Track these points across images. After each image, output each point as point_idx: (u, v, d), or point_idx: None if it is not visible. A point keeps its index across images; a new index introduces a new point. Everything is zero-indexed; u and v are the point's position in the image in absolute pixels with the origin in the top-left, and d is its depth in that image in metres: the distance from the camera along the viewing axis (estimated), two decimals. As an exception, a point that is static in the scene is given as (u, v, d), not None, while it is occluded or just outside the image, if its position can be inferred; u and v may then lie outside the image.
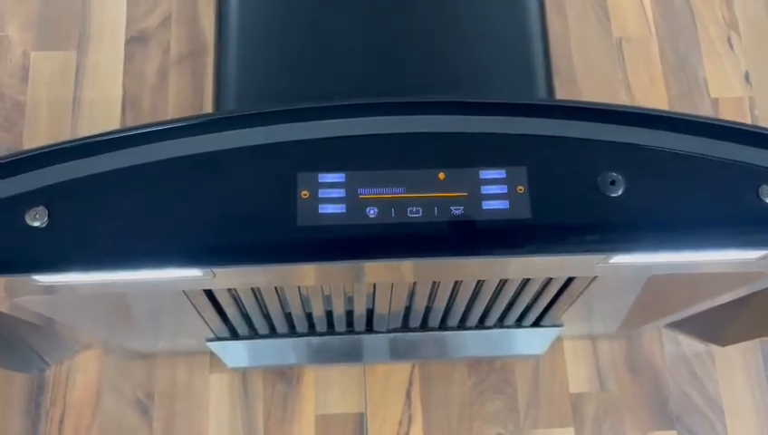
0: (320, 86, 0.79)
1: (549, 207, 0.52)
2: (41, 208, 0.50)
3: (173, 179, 0.51)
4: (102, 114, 1.13)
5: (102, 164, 0.51)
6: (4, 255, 0.50)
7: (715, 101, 1.18)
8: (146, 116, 1.13)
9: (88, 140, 0.51)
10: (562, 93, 1.16)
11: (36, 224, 0.50)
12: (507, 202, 0.52)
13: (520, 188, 0.52)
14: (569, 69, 1.18)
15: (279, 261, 0.51)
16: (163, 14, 1.19)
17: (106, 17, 1.18)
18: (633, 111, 0.54)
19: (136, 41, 1.17)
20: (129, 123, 1.13)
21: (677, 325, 1.03)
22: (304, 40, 0.80)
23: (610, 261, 0.56)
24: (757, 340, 1.04)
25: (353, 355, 0.98)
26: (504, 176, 0.53)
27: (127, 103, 1.14)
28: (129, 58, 1.16)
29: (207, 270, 0.52)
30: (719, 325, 0.97)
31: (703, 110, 1.17)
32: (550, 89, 0.81)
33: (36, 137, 1.11)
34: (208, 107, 1.15)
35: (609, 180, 0.52)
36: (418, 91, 0.78)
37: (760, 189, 0.52)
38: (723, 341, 1.02)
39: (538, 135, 0.54)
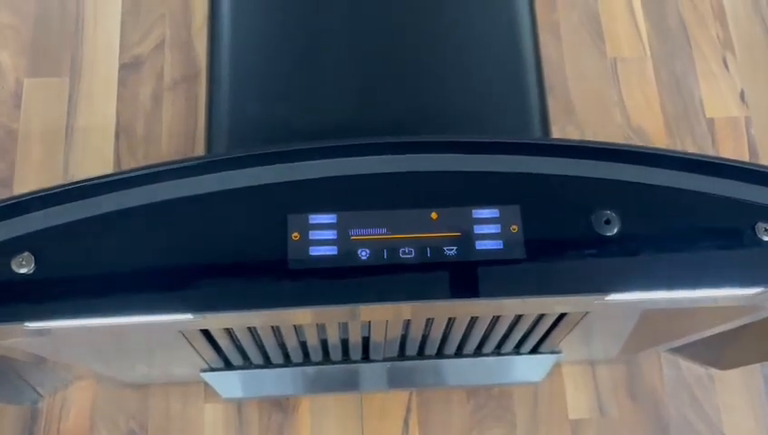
0: (313, 114, 0.78)
1: (543, 246, 0.51)
2: (26, 254, 0.49)
3: (161, 224, 0.51)
4: (96, 141, 1.12)
5: (89, 209, 0.50)
6: (-10, 302, 0.49)
7: (711, 122, 1.17)
8: (140, 142, 1.12)
9: (74, 185, 0.50)
10: (557, 115, 1.15)
11: (23, 271, 0.49)
12: (501, 242, 0.51)
13: (514, 227, 0.52)
14: (563, 90, 1.18)
15: (270, 306, 0.50)
16: (156, 39, 1.19)
17: (99, 43, 1.18)
18: (627, 148, 0.53)
19: (129, 66, 1.17)
20: (123, 150, 1.12)
21: (677, 349, 1.02)
22: (298, 68, 0.79)
23: (606, 299, 0.55)
24: (758, 363, 1.03)
25: (349, 384, 0.97)
26: (498, 215, 0.52)
27: (120, 129, 1.13)
28: (122, 84, 1.16)
29: (198, 315, 0.51)
30: (719, 349, 0.96)
31: (699, 130, 1.17)
32: (543, 115, 0.80)
33: (29, 165, 1.11)
34: (202, 132, 1.14)
35: (604, 219, 0.52)
36: (413, 120, 0.77)
37: (756, 226, 0.52)
38: (723, 365, 1.01)
39: (531, 173, 0.53)
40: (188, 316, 0.52)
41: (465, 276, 0.51)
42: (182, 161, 0.51)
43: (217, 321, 0.56)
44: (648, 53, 1.21)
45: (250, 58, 0.80)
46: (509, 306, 0.60)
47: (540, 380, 0.96)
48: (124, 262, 0.50)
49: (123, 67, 1.17)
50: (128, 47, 1.18)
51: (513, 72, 0.81)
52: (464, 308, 0.59)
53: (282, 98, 0.78)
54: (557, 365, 1.03)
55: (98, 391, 1.00)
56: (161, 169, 0.51)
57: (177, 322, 0.55)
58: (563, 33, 1.22)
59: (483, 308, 0.60)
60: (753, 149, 1.16)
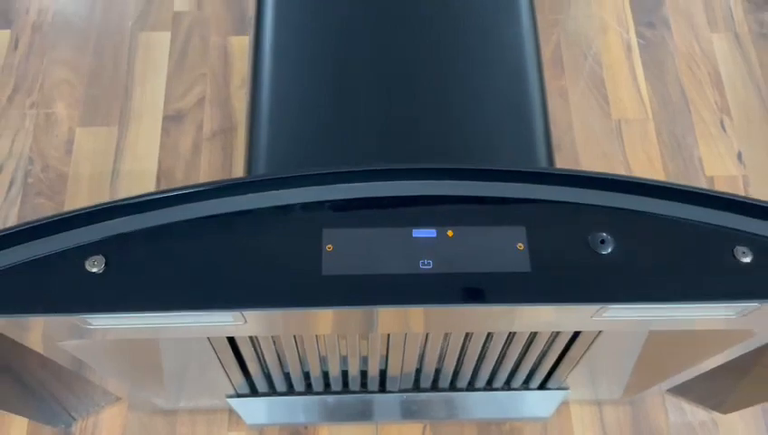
0: (340, 156, 0.87)
1: (546, 262, 0.58)
2: (99, 257, 0.57)
3: (214, 233, 0.59)
4: (139, 184, 1.22)
5: (153, 220, 0.58)
6: (65, 296, 0.57)
7: (711, 180, 1.25)
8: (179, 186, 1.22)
9: (140, 199, 0.59)
10: (566, 170, 1.24)
11: (94, 270, 0.57)
12: (509, 257, 0.59)
13: (520, 245, 0.59)
14: (571, 148, 1.27)
15: (303, 305, 0.57)
16: (198, 95, 1.30)
17: (146, 97, 1.30)
18: (620, 178, 0.61)
19: (172, 118, 1.28)
20: (163, 193, 1.22)
21: (681, 392, 1.06)
22: (331, 116, 0.89)
23: (605, 314, 0.61)
24: (758, 406, 1.06)
25: (366, 415, 1.01)
26: (506, 234, 0.59)
27: (162, 174, 1.23)
28: (165, 133, 1.27)
29: (238, 313, 0.58)
30: (721, 392, 1.00)
31: (699, 187, 1.24)
32: (550, 160, 0.88)
33: (77, 205, 1.20)
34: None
35: (599, 240, 0.59)
36: (431, 159, 0.86)
37: (735, 250, 0.59)
38: (725, 408, 1.05)
39: (536, 199, 0.61)
40: (229, 315, 0.59)
41: (478, 285, 0.58)
42: (239, 180, 0.60)
43: (251, 323, 0.62)
44: (650, 115, 1.30)
45: (287, 108, 0.90)
46: (519, 319, 0.66)
47: (548, 416, 1.00)
48: (180, 265, 0.58)
49: (167, 119, 1.28)
50: (172, 101, 1.30)
51: (520, 115, 0.89)
52: (478, 319, 0.65)
53: (313, 143, 0.88)
54: (565, 404, 1.07)
55: (128, 417, 1.06)
56: (215, 186, 0.60)
57: (217, 324, 0.62)
58: (571, 96, 1.32)
59: (495, 320, 0.66)
60: (751, 206, 1.23)
